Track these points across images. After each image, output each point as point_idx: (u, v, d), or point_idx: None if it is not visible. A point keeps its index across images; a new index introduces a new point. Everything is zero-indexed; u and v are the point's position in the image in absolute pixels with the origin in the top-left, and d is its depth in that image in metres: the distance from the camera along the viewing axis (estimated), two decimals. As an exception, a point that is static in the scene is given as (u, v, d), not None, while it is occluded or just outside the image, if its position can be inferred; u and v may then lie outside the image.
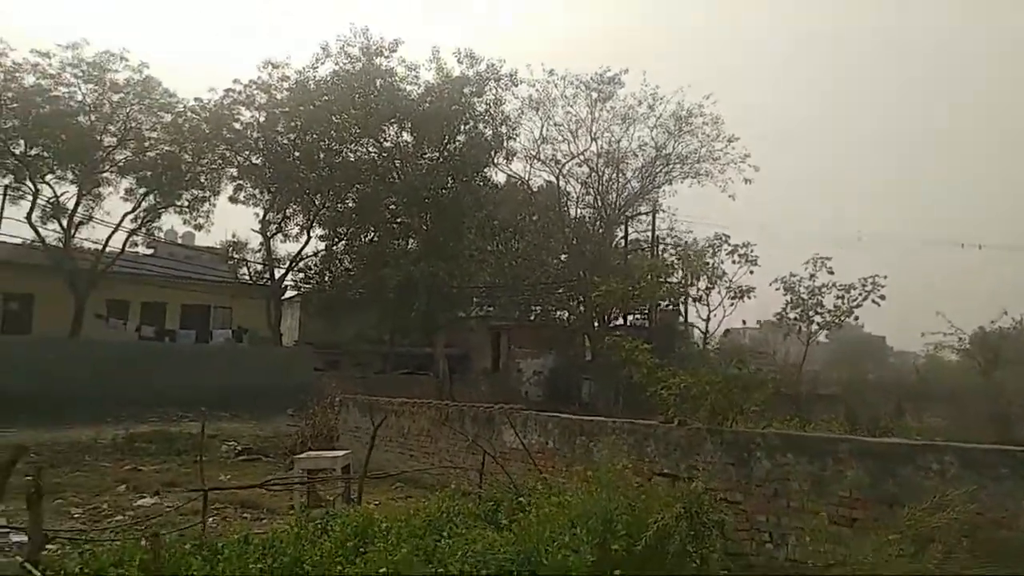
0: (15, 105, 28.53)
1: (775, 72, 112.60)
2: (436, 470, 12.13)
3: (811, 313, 9.66)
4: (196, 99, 33.03)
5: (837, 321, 9.66)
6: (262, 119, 33.93)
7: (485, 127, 33.84)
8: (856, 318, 9.63)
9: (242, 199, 35.87)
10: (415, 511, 8.33)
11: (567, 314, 40.82)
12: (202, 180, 34.39)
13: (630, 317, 34.25)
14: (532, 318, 41.17)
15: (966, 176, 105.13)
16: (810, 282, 9.64)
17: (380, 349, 36.89)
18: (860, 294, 9.52)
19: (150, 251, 38.32)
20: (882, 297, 9.50)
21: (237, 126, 33.73)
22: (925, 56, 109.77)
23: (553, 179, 37.22)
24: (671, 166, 36.02)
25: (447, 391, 30.47)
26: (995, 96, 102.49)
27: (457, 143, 33.28)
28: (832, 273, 9.58)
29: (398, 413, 14.43)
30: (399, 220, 34.69)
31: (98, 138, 30.81)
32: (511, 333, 39.82)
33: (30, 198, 30.08)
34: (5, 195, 27.51)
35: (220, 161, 34.37)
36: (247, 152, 34.36)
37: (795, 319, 9.84)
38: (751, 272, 10.05)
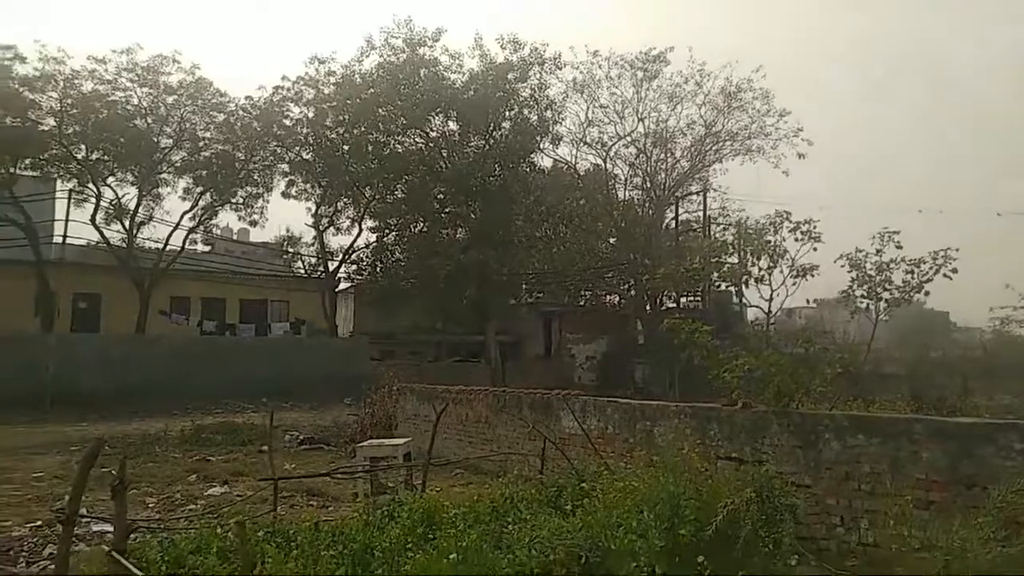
0: (75, 111, 29.52)
1: (831, 42, 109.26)
2: (496, 457, 12.18)
3: (879, 290, 9.37)
4: (247, 98, 33.76)
5: (907, 297, 9.34)
6: (311, 114, 34.45)
7: (530, 112, 33.69)
8: (927, 293, 9.33)
9: (294, 194, 36.61)
10: (479, 497, 8.39)
11: (618, 298, 40.53)
12: (255, 177, 35.14)
13: (683, 299, 33.80)
14: (583, 303, 40.98)
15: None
16: (877, 257, 9.36)
17: (433, 338, 37.25)
18: (931, 268, 9.19)
19: (208, 248, 39.36)
20: (954, 271, 9.15)
21: (287, 122, 34.32)
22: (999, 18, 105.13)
23: (600, 162, 36.90)
24: (721, 143, 35.34)
25: (500, 378, 30.61)
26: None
27: (503, 130, 33.21)
28: (900, 247, 9.30)
29: (455, 400, 14.52)
30: (448, 209, 34.85)
31: (155, 140, 31.73)
32: (562, 319, 39.74)
33: (93, 200, 31.20)
34: (70, 199, 28.54)
35: (272, 158, 35.06)
36: (297, 148, 34.96)
37: (862, 296, 9.55)
38: (814, 249, 9.82)
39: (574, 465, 9.59)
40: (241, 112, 33.29)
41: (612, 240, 38.20)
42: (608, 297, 41.77)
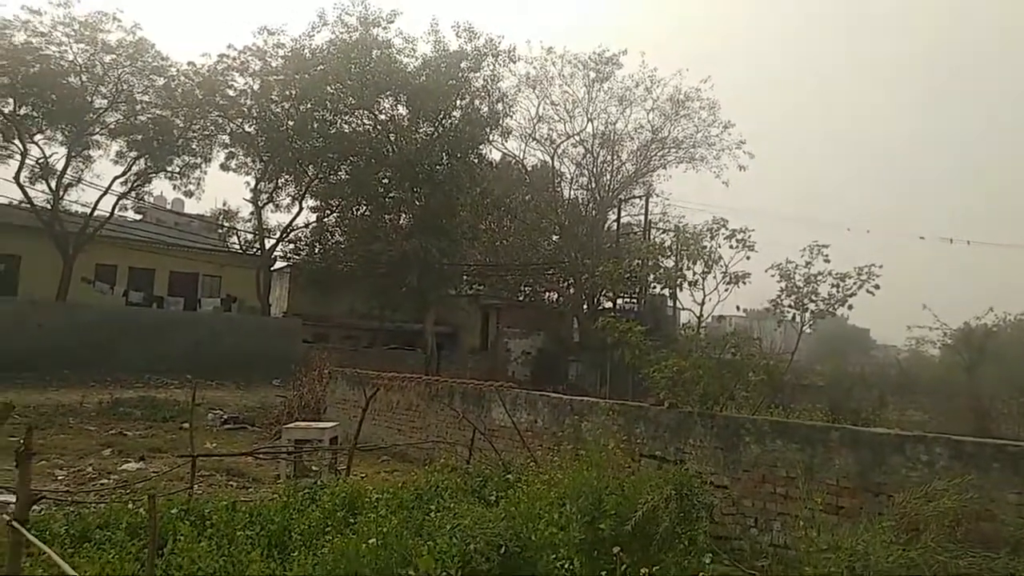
0: (4, 63, 27.97)
1: (775, 59, 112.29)
2: (425, 445, 12.14)
3: (806, 301, 9.69)
4: (189, 63, 32.59)
5: (831, 310, 9.71)
6: (256, 86, 33.50)
7: (481, 103, 33.59)
8: (850, 307, 9.71)
9: (234, 167, 35.58)
10: (404, 484, 8.35)
11: (557, 296, 40.86)
12: (194, 146, 34.01)
13: (620, 300, 34.29)
14: (522, 298, 41.17)
15: (964, 172, 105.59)
16: (806, 270, 9.67)
17: (370, 324, 36.81)
18: (855, 283, 9.57)
19: (139, 216, 37.98)
20: (876, 287, 9.56)
21: (230, 92, 33.27)
22: (932, 44, 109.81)
23: (548, 159, 37.09)
24: (666, 150, 35.96)
25: (435, 368, 30.50)
26: (998, 93, 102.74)
27: (453, 118, 33.00)
28: (828, 261, 9.66)
29: (387, 387, 14.41)
30: (392, 195, 34.44)
31: (89, 99, 30.31)
32: (501, 312, 39.81)
33: (18, 158, 29.67)
34: (-8, 154, 27.09)
35: (212, 128, 33.96)
36: (240, 119, 33.95)
37: (789, 306, 9.87)
38: (748, 257, 10.09)
39: (501, 456, 9.64)
40: (183, 78, 32.13)
41: (555, 238, 38.47)
42: (547, 294, 42.06)
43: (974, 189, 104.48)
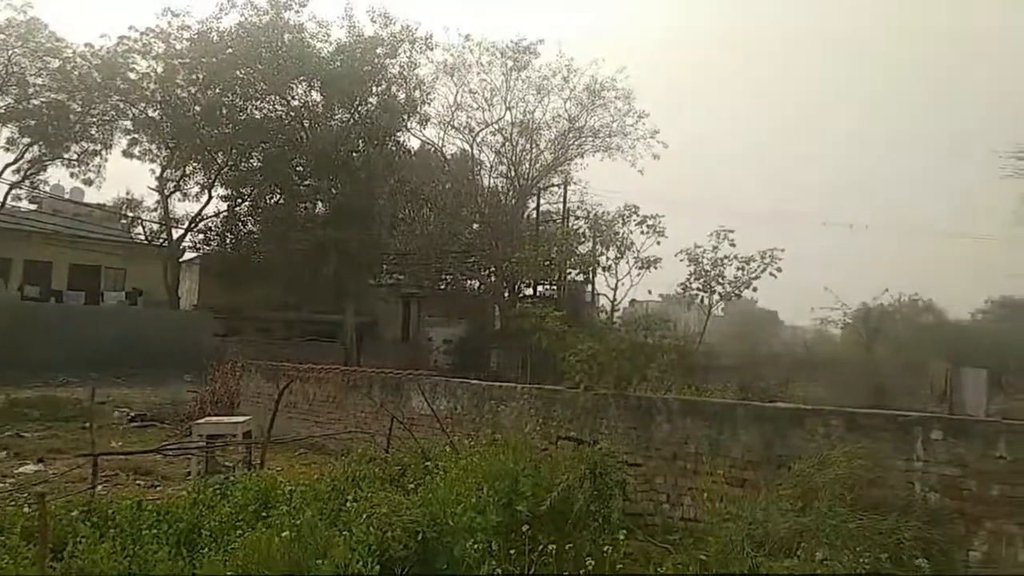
0: None
1: (687, 45, 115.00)
2: (342, 436, 11.97)
3: (713, 284, 10.11)
4: (87, 45, 30.86)
5: (736, 292, 10.17)
6: (160, 70, 31.99)
7: (398, 90, 33.14)
8: (755, 289, 10.22)
9: (137, 154, 33.93)
10: (320, 476, 8.23)
11: (478, 284, 40.88)
12: (93, 132, 32.29)
13: (540, 287, 34.58)
14: (443, 287, 40.98)
15: (865, 157, 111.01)
16: (713, 254, 10.12)
17: (286, 315, 35.89)
18: (759, 266, 10.06)
19: (34, 206, 35.78)
20: (779, 269, 10.07)
21: (132, 76, 31.66)
22: (829, 27, 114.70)
23: (467, 147, 36.93)
24: (583, 139, 36.35)
25: (355, 358, 30.06)
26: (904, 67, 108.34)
27: (369, 105, 32.44)
28: (734, 245, 10.11)
29: (303, 379, 14.13)
30: (307, 183, 33.61)
31: (-26, 82, 28.37)
32: (422, 302, 39.52)
33: None
34: None
35: (113, 112, 32.31)
36: (143, 104, 32.38)
37: (698, 289, 10.29)
38: (658, 243, 10.44)
39: (421, 444, 9.61)
40: (80, 60, 30.40)
41: (475, 226, 38.41)
42: (469, 282, 41.99)
43: (878, 174, 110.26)
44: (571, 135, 36.18)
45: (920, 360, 24.26)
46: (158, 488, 9.80)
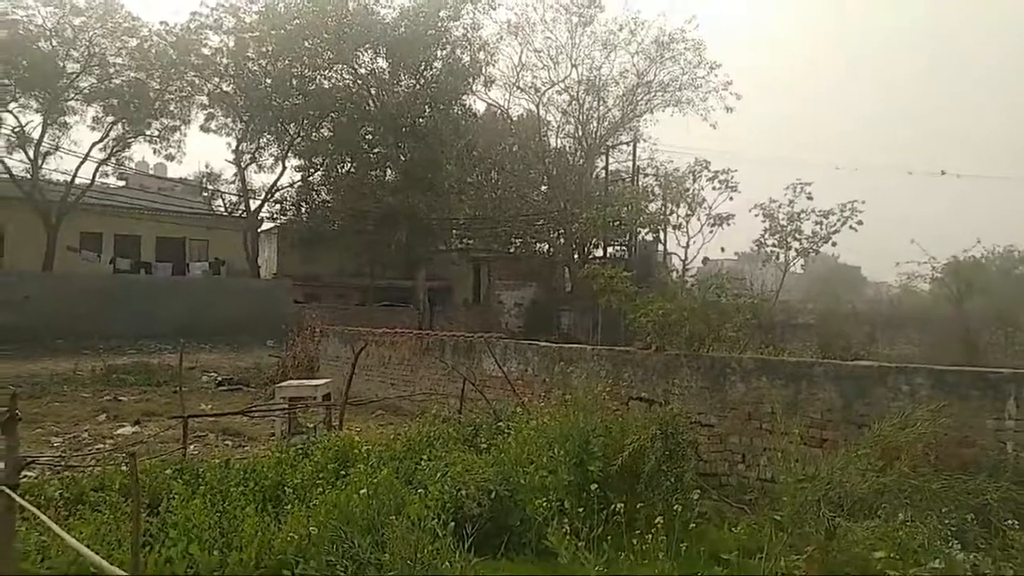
0: (-30, 29, 27.29)
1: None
2: (417, 397, 12.25)
3: (789, 239, 9.72)
4: (161, 23, 31.86)
5: (814, 248, 9.76)
6: (231, 44, 32.77)
7: (463, 53, 32.98)
8: (834, 244, 9.78)
9: (214, 128, 35.02)
10: (396, 436, 8.44)
11: (547, 246, 40.77)
12: (171, 108, 33.41)
13: (610, 248, 34.26)
14: (513, 250, 41.07)
15: (946, 107, 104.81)
16: (789, 208, 9.71)
17: (360, 282, 36.76)
18: (839, 219, 9.61)
19: (122, 183, 37.47)
20: (860, 223, 9.61)
21: (205, 51, 32.57)
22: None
23: (533, 108, 36.57)
24: (652, 94, 35.44)
25: (428, 323, 30.59)
26: (981, 31, 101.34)
27: (434, 69, 32.45)
28: (811, 199, 9.67)
29: (378, 343, 14.47)
30: (376, 150, 34.03)
31: (61, 64, 29.64)
32: (492, 265, 39.77)
33: (-7, 127, 29.12)
34: (-34, 124, 26.57)
35: (189, 88, 33.32)
36: (217, 79, 33.30)
37: (774, 246, 9.91)
38: (731, 199, 10.18)
39: (493, 406, 9.74)
40: (155, 38, 31.39)
41: (544, 188, 38.20)
42: (538, 245, 41.95)
43: (966, 121, 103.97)
44: (640, 90, 35.34)
45: (1016, 314, 22.93)
46: (245, 448, 10.26)
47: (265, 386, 16.12)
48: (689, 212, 9.71)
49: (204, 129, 34.91)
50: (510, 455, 6.99)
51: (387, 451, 7.50)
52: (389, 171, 34.46)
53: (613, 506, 5.97)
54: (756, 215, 10.23)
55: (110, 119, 31.75)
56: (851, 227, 9.66)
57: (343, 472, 6.76)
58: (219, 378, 17.74)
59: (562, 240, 36.97)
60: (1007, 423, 6.27)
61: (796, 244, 9.88)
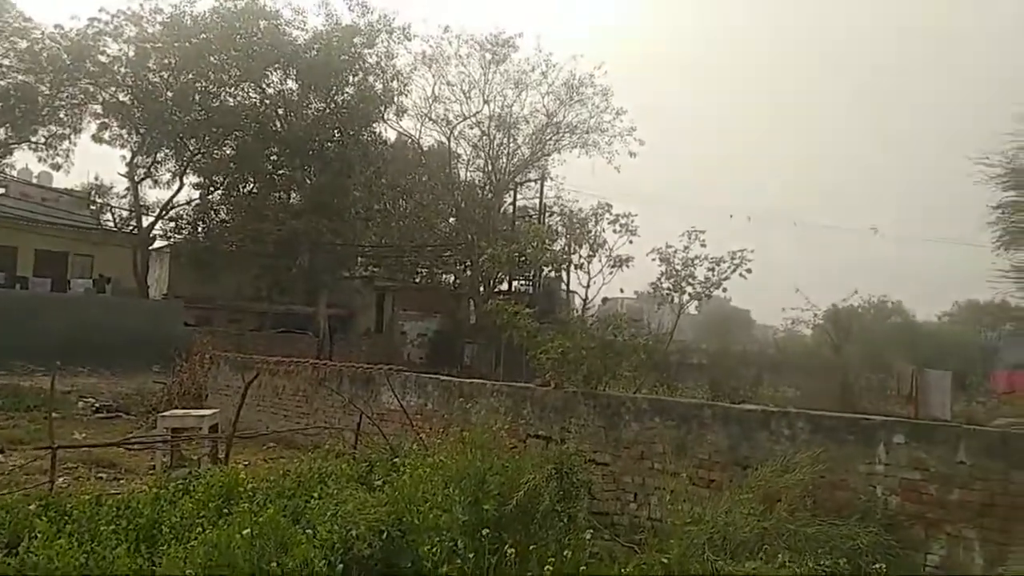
0: None
1: (668, 47, 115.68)
2: (310, 431, 11.87)
3: (683, 284, 10.21)
4: (56, 26, 30.16)
5: (706, 293, 10.29)
6: (131, 53, 31.38)
7: (376, 80, 32.91)
8: (725, 290, 10.34)
9: (107, 139, 33.22)
10: (285, 472, 8.14)
11: (453, 278, 40.79)
12: (61, 115, 31.62)
13: (515, 283, 34.61)
14: (418, 280, 40.84)
15: (838, 160, 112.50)
16: (684, 254, 10.22)
17: (258, 306, 35.53)
18: (729, 267, 10.17)
19: (0, 190, 34.97)
20: (748, 271, 10.19)
21: (103, 59, 31.02)
22: (812, 35, 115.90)
23: (444, 140, 36.76)
24: (561, 134, 36.33)
25: (327, 351, 29.87)
26: (868, 82, 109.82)
27: (346, 95, 32.18)
28: (704, 246, 10.22)
29: (272, 372, 13.97)
30: (281, 172, 33.29)
31: (-62, 61, 27.63)
32: (396, 295, 39.36)
33: None
34: None
35: (82, 96, 31.62)
36: (113, 88, 31.75)
37: (669, 289, 10.36)
38: (631, 242, 10.52)
39: (389, 441, 9.56)
40: (48, 41, 29.72)
41: (452, 220, 38.29)
42: (444, 276, 41.88)
43: (851, 175, 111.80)
44: (549, 130, 36.17)
45: (888, 361, 24.63)
46: (121, 481, 9.62)
47: (147, 414, 15.20)
48: (591, 253, 10.07)
49: (96, 139, 33.10)
50: (404, 493, 6.86)
51: (275, 488, 7.22)
52: (294, 194, 33.72)
53: (507, 546, 5.96)
54: (653, 259, 10.73)
55: (-9, 122, 29.75)
56: (740, 274, 10.26)
57: (226, 510, 6.44)
58: (97, 404, 16.65)
59: (468, 272, 37.09)
60: (877, 467, 6.66)
61: (690, 288, 10.39)
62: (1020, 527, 5.66)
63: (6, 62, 29.33)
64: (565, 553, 5.84)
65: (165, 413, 11.71)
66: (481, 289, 35.84)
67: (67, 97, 31.20)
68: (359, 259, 37.92)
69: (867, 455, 6.77)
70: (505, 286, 35.15)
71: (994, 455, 6.09)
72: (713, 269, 10.95)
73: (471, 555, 5.91)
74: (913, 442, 6.55)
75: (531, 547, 6.01)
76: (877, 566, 4.85)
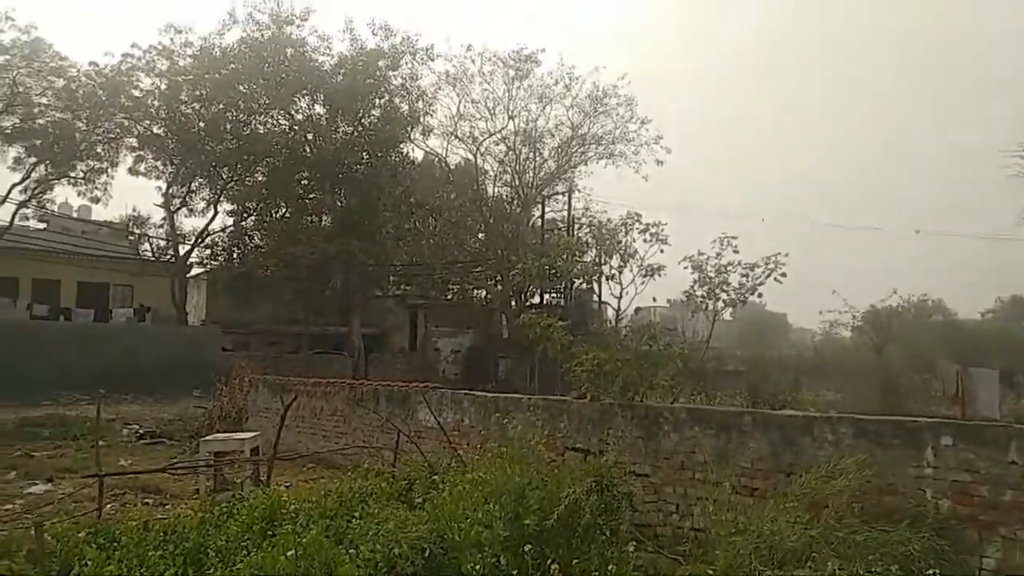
0: None
1: (694, 53, 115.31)
2: (349, 450, 11.96)
3: (717, 291, 10.10)
4: (91, 63, 31.08)
5: (741, 299, 10.17)
6: (164, 87, 32.18)
7: (401, 102, 33.27)
8: (760, 295, 10.19)
9: (143, 171, 34.04)
10: (327, 492, 8.20)
11: (485, 293, 40.86)
12: (98, 150, 32.44)
13: (547, 296, 34.56)
14: (450, 297, 40.99)
15: (867, 161, 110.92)
16: (717, 260, 10.11)
17: (293, 329, 35.96)
18: (763, 272, 10.04)
19: (42, 225, 35.98)
20: (783, 275, 10.04)
21: (136, 93, 31.86)
22: (841, 42, 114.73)
23: (471, 157, 36.96)
24: (587, 146, 36.30)
25: (363, 370, 30.07)
26: (901, 85, 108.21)
27: (372, 117, 32.58)
28: (737, 252, 10.08)
29: (310, 393, 14.12)
30: (312, 196, 33.75)
31: (-20, 104, 28.57)
32: (428, 312, 39.55)
33: (-96, 165, 27.70)
34: None
35: (118, 130, 32.44)
36: (148, 121, 32.56)
37: (702, 297, 10.27)
38: (662, 251, 10.48)
39: (427, 458, 9.59)
40: (84, 79, 30.59)
41: (481, 235, 38.43)
42: (476, 292, 41.99)
43: (888, 177, 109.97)
44: (574, 143, 36.16)
45: (931, 361, 24.09)
46: (166, 507, 9.78)
47: (190, 439, 15.45)
48: (622, 263, 10.04)
49: (133, 172, 33.93)
50: (445, 510, 6.87)
51: (317, 508, 7.27)
52: (325, 217, 34.14)
53: (550, 561, 5.92)
54: (685, 267, 10.64)
55: (32, 160, 30.63)
56: (776, 279, 10.12)
57: (270, 532, 6.51)
58: (140, 431, 16.97)
59: (499, 287, 37.13)
60: (926, 471, 6.50)
61: (724, 295, 10.27)
62: (1079, 528, 5.47)
63: (44, 100, 30.21)
64: (609, 567, 5.77)
65: (207, 437, 11.89)
66: (513, 303, 35.85)
67: (103, 132, 32.00)
68: (391, 278, 38.19)
69: (915, 458, 6.61)
70: (537, 300, 35.13)
71: (1048, 454, 5.91)
72: (747, 275, 10.82)
73: (514, 572, 5.88)
74: (961, 443, 6.39)
75: (574, 561, 5.97)
76: (930, 572, 4.72)
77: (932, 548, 4.95)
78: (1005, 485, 6.01)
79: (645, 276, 10.86)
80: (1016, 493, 5.92)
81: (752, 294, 10.98)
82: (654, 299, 11.63)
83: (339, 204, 32.48)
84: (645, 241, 10.56)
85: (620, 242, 9.80)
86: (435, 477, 8.32)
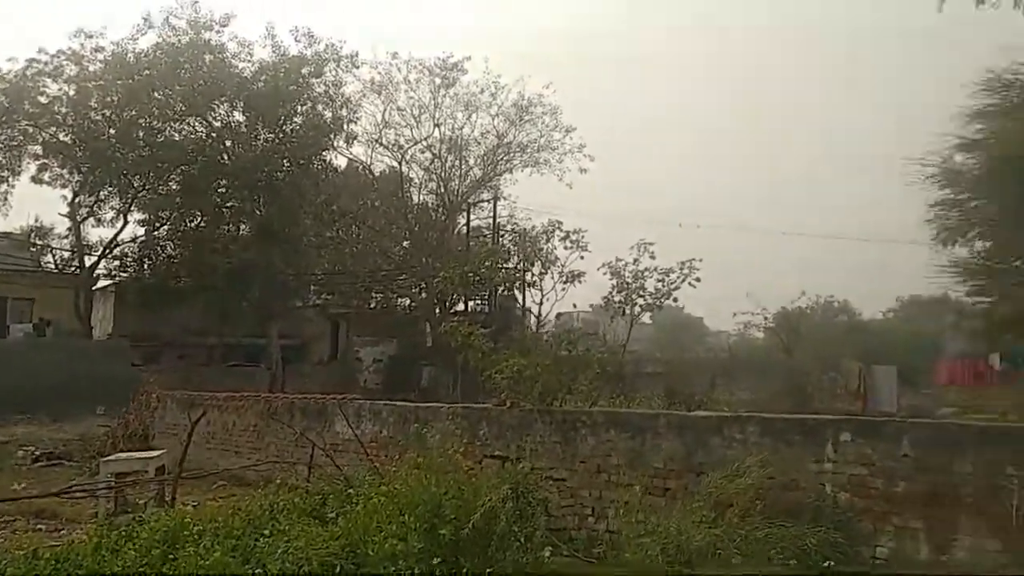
0: None
1: (618, 57, 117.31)
2: (262, 466, 11.59)
3: (634, 296, 10.28)
4: (-8, 68, 29.27)
5: (658, 303, 10.38)
6: (72, 93, 30.58)
7: (324, 109, 32.63)
8: (675, 300, 10.44)
9: (47, 180, 32.10)
10: (235, 510, 7.90)
11: (409, 301, 40.47)
12: (-1, 158, 30.58)
13: (471, 303, 34.49)
14: (373, 306, 40.41)
15: (778, 163, 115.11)
16: (634, 266, 10.32)
17: (208, 341, 34.66)
18: (678, 277, 10.31)
19: (-67, 236, 33.68)
20: (697, 280, 10.32)
21: (42, 100, 30.13)
22: (755, 44, 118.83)
23: (396, 164, 36.63)
24: (512, 154, 36.48)
25: (280, 382, 29.27)
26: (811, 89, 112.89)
27: (294, 124, 31.84)
28: (654, 258, 10.33)
29: (222, 408, 13.64)
30: (230, 204, 32.68)
31: None
32: (351, 321, 38.89)
33: None
34: None
35: (21, 137, 30.65)
36: (54, 128, 30.83)
37: (620, 302, 10.41)
38: (582, 257, 10.61)
39: (344, 472, 9.38)
40: (-16, 84, 28.82)
41: (405, 243, 38.07)
42: (399, 300, 41.52)
43: (791, 180, 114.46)
44: (500, 151, 36.29)
45: (837, 359, 25.17)
46: (62, 532, 9.24)
47: (91, 460, 14.65)
48: (543, 270, 10.10)
49: (36, 180, 31.95)
50: (359, 524, 6.72)
51: (223, 528, 6.98)
52: (243, 225, 33.13)
53: (465, 570, 5.87)
54: (604, 273, 10.77)
55: (-76, 167, 28.65)
56: (690, 283, 10.38)
57: (171, 556, 6.21)
58: (37, 452, 16.02)
59: (423, 295, 36.85)
60: (826, 466, 6.75)
61: (641, 300, 10.46)
62: (964, 515, 5.78)
63: (-61, 105, 28.34)
64: (526, 571, 5.76)
65: (108, 458, 11.30)
66: (437, 311, 35.64)
67: (5, 139, 30.24)
68: (312, 287, 37.39)
69: (816, 454, 6.86)
70: (461, 307, 35.03)
71: (936, 446, 6.23)
72: (663, 280, 11.07)
73: (427, 582, 5.79)
74: (859, 438, 6.67)
75: (488, 570, 5.93)
76: (826, 564, 4.89)
77: (828, 541, 5.12)
78: (897, 477, 6.30)
79: (566, 282, 11.00)
80: (907, 484, 6.22)
81: (668, 298, 11.25)
82: (575, 305, 11.74)
83: (258, 212, 31.55)
84: (566, 248, 10.66)
85: (541, 249, 9.85)
86: (350, 491, 8.14)
